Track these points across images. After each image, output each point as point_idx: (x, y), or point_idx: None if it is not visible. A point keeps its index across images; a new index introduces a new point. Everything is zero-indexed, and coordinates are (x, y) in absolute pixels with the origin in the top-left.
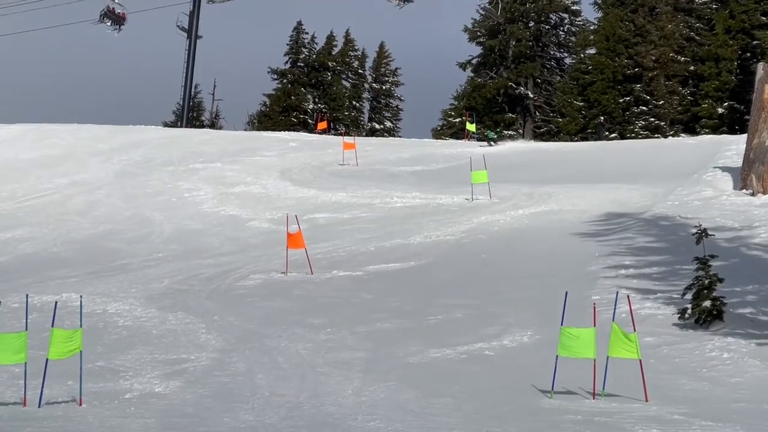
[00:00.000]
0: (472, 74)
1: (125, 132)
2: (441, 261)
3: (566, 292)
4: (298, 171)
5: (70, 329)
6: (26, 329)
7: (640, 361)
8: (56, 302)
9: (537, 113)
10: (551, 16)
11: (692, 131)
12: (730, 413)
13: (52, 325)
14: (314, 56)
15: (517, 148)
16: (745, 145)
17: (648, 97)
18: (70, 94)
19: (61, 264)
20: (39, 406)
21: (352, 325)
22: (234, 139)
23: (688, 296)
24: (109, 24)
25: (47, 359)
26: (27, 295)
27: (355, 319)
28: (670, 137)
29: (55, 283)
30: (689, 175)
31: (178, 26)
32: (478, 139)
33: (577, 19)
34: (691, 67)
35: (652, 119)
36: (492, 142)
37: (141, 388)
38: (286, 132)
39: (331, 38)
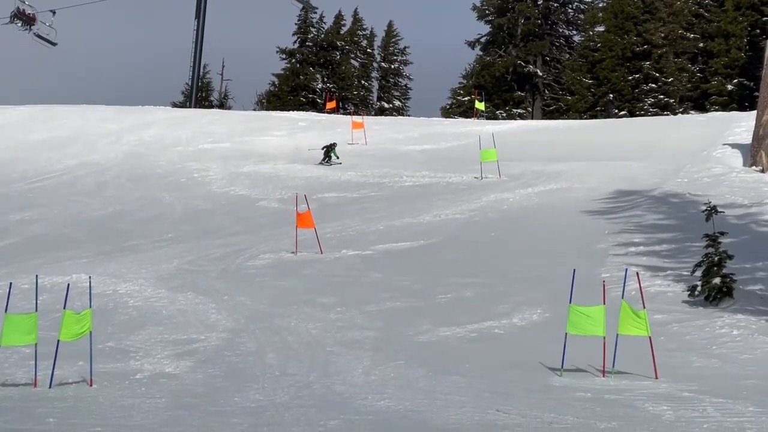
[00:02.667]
0: (480, 53)
1: (134, 113)
2: (450, 240)
3: (574, 270)
4: (307, 150)
5: (81, 310)
6: (36, 310)
7: (650, 338)
8: (68, 285)
9: (546, 91)
10: None
11: (701, 108)
12: (740, 390)
13: (64, 307)
14: (323, 36)
15: (526, 126)
16: (754, 122)
17: (657, 75)
18: (79, 74)
19: (71, 245)
20: (50, 387)
21: (361, 304)
22: (243, 119)
23: (698, 273)
24: (19, 25)
25: (58, 340)
26: (37, 276)
27: (364, 298)
28: (679, 114)
29: (66, 264)
30: (699, 153)
31: None
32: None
33: None
34: (701, 44)
35: (662, 96)
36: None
37: (151, 368)
38: (295, 112)
39: (339, 17)
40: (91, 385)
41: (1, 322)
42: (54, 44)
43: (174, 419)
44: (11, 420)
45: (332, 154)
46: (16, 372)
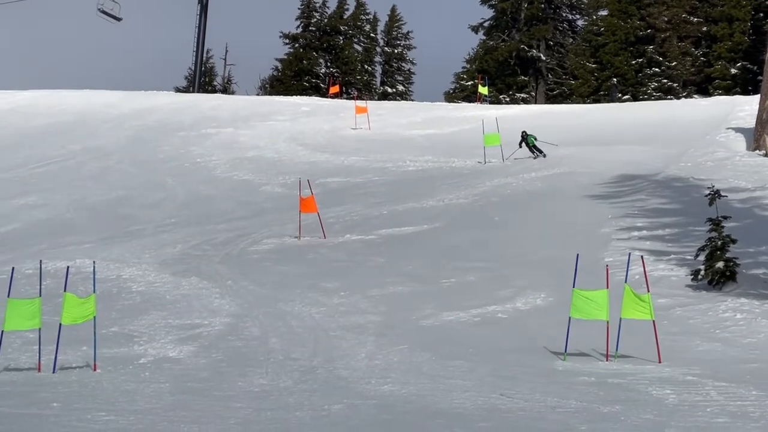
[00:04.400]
0: (484, 37)
1: (137, 98)
2: (454, 224)
3: (577, 255)
4: (310, 135)
5: (84, 295)
6: (40, 295)
7: (653, 322)
8: (68, 267)
9: (549, 76)
10: None
11: (705, 92)
12: (744, 374)
13: (65, 290)
14: (326, 20)
15: (529, 111)
16: (758, 106)
17: (660, 59)
18: (81, 59)
19: (74, 230)
20: (53, 372)
21: (365, 288)
22: (246, 104)
23: (701, 257)
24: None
25: (61, 324)
26: (40, 261)
27: (368, 282)
28: (682, 98)
29: (69, 249)
30: (702, 137)
31: None
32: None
33: None
34: (704, 28)
35: (665, 81)
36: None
37: (155, 353)
38: (299, 96)
39: (342, 2)
40: (95, 370)
41: (4, 307)
42: (119, 19)
43: (178, 404)
44: (15, 404)
45: (532, 144)
46: (20, 357)
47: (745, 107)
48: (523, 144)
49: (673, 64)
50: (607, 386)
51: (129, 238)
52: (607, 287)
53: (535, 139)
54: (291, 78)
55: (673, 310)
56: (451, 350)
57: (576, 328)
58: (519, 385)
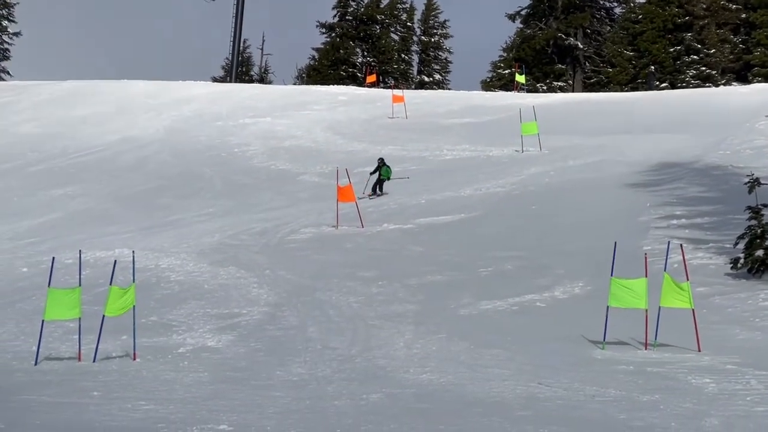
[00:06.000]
0: (521, 25)
1: (175, 88)
2: (491, 213)
3: (615, 243)
4: (347, 125)
5: (124, 285)
6: (80, 285)
7: (693, 310)
8: (115, 261)
9: (587, 64)
10: None
11: (744, 80)
12: None
13: (110, 283)
14: (362, 9)
15: (566, 99)
16: None
17: (699, 46)
18: (119, 50)
19: (113, 220)
20: (94, 361)
21: (403, 277)
22: (283, 93)
23: (741, 246)
24: None
25: (104, 316)
26: (80, 251)
27: (406, 271)
28: (721, 86)
29: (108, 239)
30: (741, 124)
31: None
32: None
33: None
34: (743, 15)
35: (703, 68)
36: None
37: (194, 342)
38: (336, 86)
39: None
40: (134, 359)
41: (45, 296)
42: None
43: (217, 393)
44: (56, 393)
45: (385, 178)
46: (60, 346)
47: None
48: (376, 173)
49: (712, 51)
50: (646, 375)
51: (167, 228)
52: (646, 275)
53: (390, 172)
54: (328, 67)
55: (713, 298)
56: (489, 339)
57: (614, 317)
58: (557, 374)
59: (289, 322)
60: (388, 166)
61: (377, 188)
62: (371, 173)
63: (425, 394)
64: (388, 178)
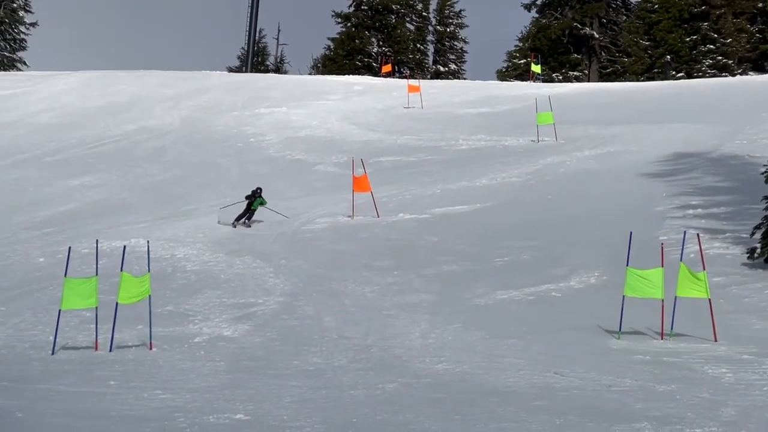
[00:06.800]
0: (536, 15)
1: (190, 78)
2: (507, 203)
3: (631, 233)
4: (363, 114)
5: (140, 275)
6: (96, 274)
7: (710, 300)
8: (125, 246)
9: (602, 53)
10: None
11: (761, 69)
12: None
13: (121, 270)
14: None
15: (582, 89)
16: None
17: (715, 35)
18: (135, 40)
19: (129, 210)
20: (110, 350)
21: (418, 267)
22: (299, 83)
23: (757, 236)
24: None
25: (117, 304)
26: (97, 241)
27: (421, 261)
28: (738, 76)
29: (124, 228)
30: (758, 114)
31: None
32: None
33: None
34: (760, 4)
35: (720, 58)
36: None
37: (210, 332)
38: (351, 76)
39: None
40: (150, 349)
41: (62, 286)
42: None
43: (233, 382)
44: (73, 383)
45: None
46: (77, 335)
47: None
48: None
49: (728, 40)
50: (663, 365)
51: (183, 218)
52: (662, 265)
53: (264, 203)
54: (343, 57)
55: (729, 288)
56: (505, 329)
57: (630, 307)
58: (573, 364)
59: (305, 312)
60: (262, 198)
61: (246, 218)
62: (246, 197)
63: (441, 383)
64: (262, 204)
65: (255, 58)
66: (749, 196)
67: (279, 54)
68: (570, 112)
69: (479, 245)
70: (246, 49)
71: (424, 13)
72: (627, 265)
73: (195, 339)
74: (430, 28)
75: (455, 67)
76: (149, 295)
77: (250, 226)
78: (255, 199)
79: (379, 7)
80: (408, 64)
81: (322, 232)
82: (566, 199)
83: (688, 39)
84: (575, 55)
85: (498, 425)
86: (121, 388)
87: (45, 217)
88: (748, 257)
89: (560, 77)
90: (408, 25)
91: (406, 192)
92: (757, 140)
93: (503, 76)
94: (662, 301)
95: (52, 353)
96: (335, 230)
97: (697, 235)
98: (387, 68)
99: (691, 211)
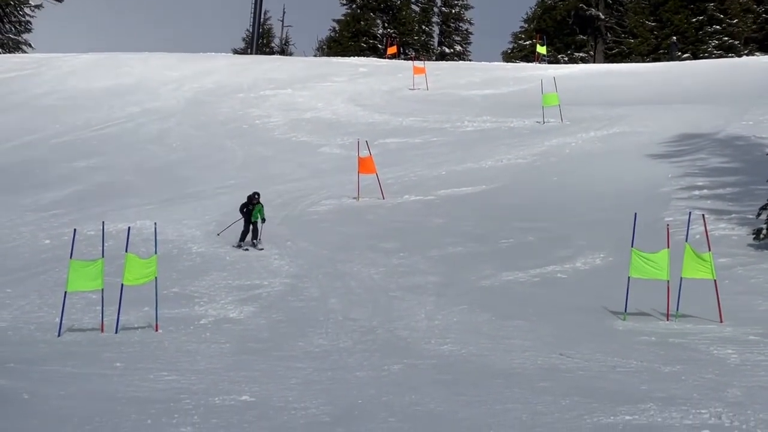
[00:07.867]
0: None
1: (196, 60)
2: (512, 184)
3: (635, 214)
4: (368, 96)
5: (146, 257)
6: (102, 256)
7: (715, 281)
8: (129, 227)
9: (608, 34)
10: None
11: (767, 50)
12: None
13: (126, 251)
14: None
15: (588, 70)
16: None
17: (722, 16)
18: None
19: (134, 192)
20: (116, 332)
21: (424, 249)
22: (304, 65)
23: (763, 216)
24: None
25: (122, 285)
26: (103, 223)
27: (427, 243)
28: (744, 56)
29: (130, 210)
30: (764, 95)
31: None
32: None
33: None
34: None
35: (726, 38)
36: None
37: (216, 313)
38: (356, 57)
39: None
40: (156, 330)
41: (67, 268)
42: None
43: (239, 364)
44: (79, 364)
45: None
46: (83, 317)
47: None
48: (246, 214)
49: (735, 21)
50: (668, 346)
51: (189, 200)
52: (668, 246)
53: (262, 213)
54: (348, 39)
55: (735, 269)
56: (511, 310)
57: (636, 288)
58: (579, 345)
59: (311, 294)
60: (261, 204)
61: (253, 236)
62: (241, 209)
63: (446, 365)
64: (263, 220)
65: (260, 40)
66: (755, 176)
67: (284, 36)
68: (575, 94)
69: (485, 227)
70: (251, 30)
71: None
72: (632, 246)
73: (201, 321)
74: (436, 9)
75: (460, 48)
76: (155, 277)
77: (262, 249)
78: (254, 207)
79: None
80: (413, 45)
81: (328, 214)
82: (571, 180)
83: (694, 19)
84: (581, 36)
85: (503, 406)
86: (127, 369)
87: (51, 199)
88: (754, 238)
89: (566, 58)
90: (413, 6)
91: (411, 174)
92: (763, 121)
93: (509, 57)
94: (668, 282)
95: (58, 335)
96: (341, 212)
97: (703, 216)
98: (392, 50)
99: (696, 192)
